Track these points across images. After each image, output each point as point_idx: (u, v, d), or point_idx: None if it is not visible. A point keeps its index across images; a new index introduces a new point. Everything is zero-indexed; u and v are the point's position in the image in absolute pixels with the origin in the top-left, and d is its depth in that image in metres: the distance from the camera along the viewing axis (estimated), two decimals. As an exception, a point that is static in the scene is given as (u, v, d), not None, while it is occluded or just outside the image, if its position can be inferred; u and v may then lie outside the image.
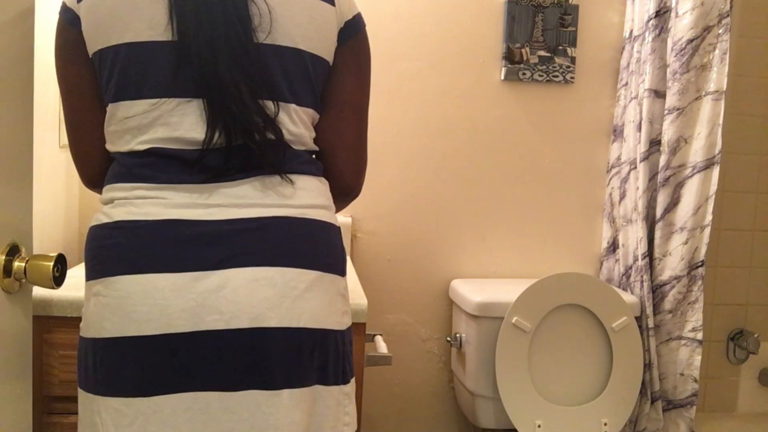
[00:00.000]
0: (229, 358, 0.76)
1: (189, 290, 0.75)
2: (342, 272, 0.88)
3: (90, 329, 0.79)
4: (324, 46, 0.88)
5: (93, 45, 0.82)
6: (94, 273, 0.80)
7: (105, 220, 0.80)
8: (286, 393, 0.78)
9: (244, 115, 0.79)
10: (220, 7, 0.78)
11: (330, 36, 0.89)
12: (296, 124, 0.86)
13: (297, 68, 0.85)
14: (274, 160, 0.83)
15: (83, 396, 0.80)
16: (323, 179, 0.91)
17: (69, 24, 0.84)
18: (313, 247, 0.83)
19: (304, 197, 0.85)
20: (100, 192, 0.90)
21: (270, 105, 0.82)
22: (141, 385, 0.76)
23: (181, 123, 0.80)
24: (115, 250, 0.78)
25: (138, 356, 0.75)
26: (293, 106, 0.85)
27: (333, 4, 0.88)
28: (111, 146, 0.85)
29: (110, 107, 0.83)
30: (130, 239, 0.78)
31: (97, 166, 0.90)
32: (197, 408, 0.76)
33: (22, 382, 0.84)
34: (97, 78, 0.84)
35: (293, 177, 0.85)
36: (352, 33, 0.92)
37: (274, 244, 0.80)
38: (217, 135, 0.80)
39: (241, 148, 0.81)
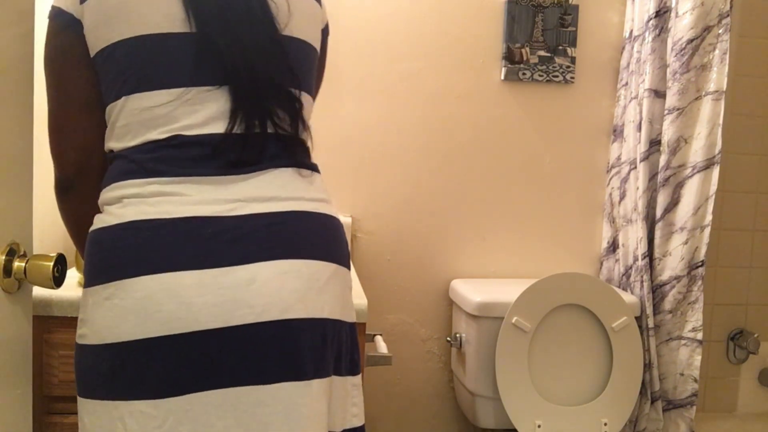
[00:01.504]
0: (260, 351, 0.75)
1: (216, 286, 0.74)
2: (349, 267, 0.90)
3: (102, 335, 0.75)
4: (318, 42, 0.93)
5: (102, 41, 0.81)
6: (103, 277, 0.76)
7: (115, 221, 0.77)
8: (315, 383, 0.79)
9: (271, 104, 0.82)
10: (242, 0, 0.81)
11: (319, 33, 0.94)
12: (308, 115, 0.89)
13: (307, 60, 0.90)
14: (292, 151, 0.85)
15: (95, 405, 0.76)
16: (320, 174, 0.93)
17: (66, 27, 0.83)
18: (328, 240, 0.85)
19: (314, 192, 0.86)
20: (66, 198, 0.90)
21: (295, 94, 0.85)
22: (171, 385, 0.74)
23: (202, 111, 0.80)
24: (131, 251, 0.75)
25: (166, 356, 0.73)
26: (306, 95, 0.89)
27: (320, 4, 0.95)
28: (117, 143, 0.83)
29: (122, 101, 0.81)
30: (147, 239, 0.75)
31: (75, 164, 0.88)
32: (230, 404, 0.75)
33: (23, 382, 0.84)
34: (102, 75, 0.83)
35: (305, 171, 0.86)
36: (326, 35, 1.00)
37: (295, 238, 0.80)
38: (238, 123, 0.80)
39: (259, 138, 0.82)
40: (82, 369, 0.78)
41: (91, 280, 0.78)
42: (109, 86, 0.83)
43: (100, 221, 0.80)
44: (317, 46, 0.93)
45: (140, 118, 0.80)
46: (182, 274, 0.74)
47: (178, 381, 0.74)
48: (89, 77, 0.84)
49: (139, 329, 0.73)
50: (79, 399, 0.79)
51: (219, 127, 0.80)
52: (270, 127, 0.82)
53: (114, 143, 0.84)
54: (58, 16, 0.83)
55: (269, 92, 0.82)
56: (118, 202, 0.79)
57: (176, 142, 0.79)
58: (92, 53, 0.83)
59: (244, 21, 0.81)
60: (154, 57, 0.80)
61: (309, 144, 0.90)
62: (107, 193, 0.81)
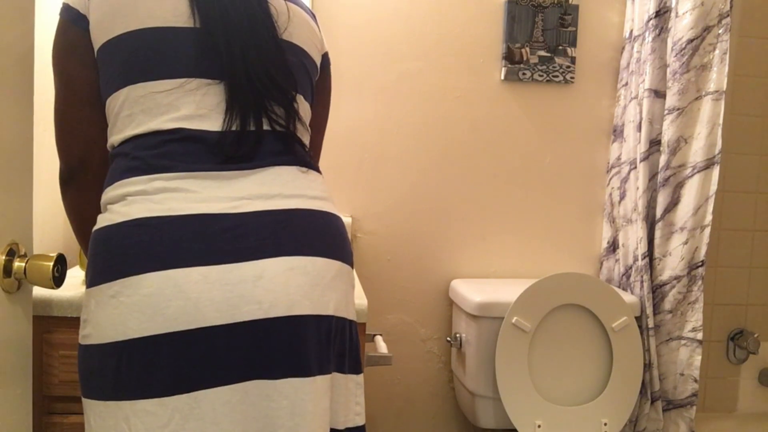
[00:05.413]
0: (267, 347, 0.76)
1: (223, 282, 0.74)
2: (353, 265, 0.90)
3: (107, 333, 0.74)
4: (317, 59, 0.97)
5: (107, 34, 0.83)
6: (108, 275, 0.76)
7: (120, 219, 0.77)
8: (319, 379, 0.79)
9: (266, 101, 0.84)
10: (242, 1, 0.84)
11: (318, 53, 0.98)
12: (305, 118, 0.91)
13: (306, 68, 0.92)
14: (292, 149, 0.87)
15: (100, 406, 0.76)
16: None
17: (72, 23, 0.85)
18: (333, 238, 0.85)
19: (316, 190, 0.87)
20: (68, 189, 0.92)
21: (291, 94, 0.87)
22: (177, 382, 0.73)
23: (203, 102, 0.82)
24: (138, 249, 0.75)
25: (173, 353, 0.73)
26: (302, 99, 0.91)
27: (319, 29, 1.00)
28: (119, 135, 0.83)
29: (126, 90, 0.82)
30: (154, 236, 0.75)
31: (78, 156, 0.91)
32: (236, 400, 0.75)
33: (23, 382, 0.84)
34: (104, 68, 0.84)
35: (305, 169, 0.87)
36: (328, 63, 1.05)
37: (300, 235, 0.81)
38: (235, 118, 0.82)
39: (254, 135, 0.83)
40: (87, 370, 0.77)
41: (95, 278, 0.77)
42: (111, 77, 0.84)
43: (104, 220, 0.79)
44: (315, 59, 0.96)
45: (144, 106, 0.81)
46: (189, 271, 0.74)
47: (184, 378, 0.73)
48: (92, 73, 0.86)
49: (145, 326, 0.73)
50: (84, 400, 0.78)
51: (218, 122, 0.82)
52: (266, 123, 0.84)
53: (116, 136, 0.83)
54: (65, 11, 0.86)
55: (266, 89, 0.84)
56: (122, 200, 0.78)
57: (179, 136, 0.80)
58: (96, 47, 0.84)
59: (246, 20, 0.84)
60: (158, 48, 0.81)
61: (306, 145, 0.92)
62: (110, 192, 0.80)
